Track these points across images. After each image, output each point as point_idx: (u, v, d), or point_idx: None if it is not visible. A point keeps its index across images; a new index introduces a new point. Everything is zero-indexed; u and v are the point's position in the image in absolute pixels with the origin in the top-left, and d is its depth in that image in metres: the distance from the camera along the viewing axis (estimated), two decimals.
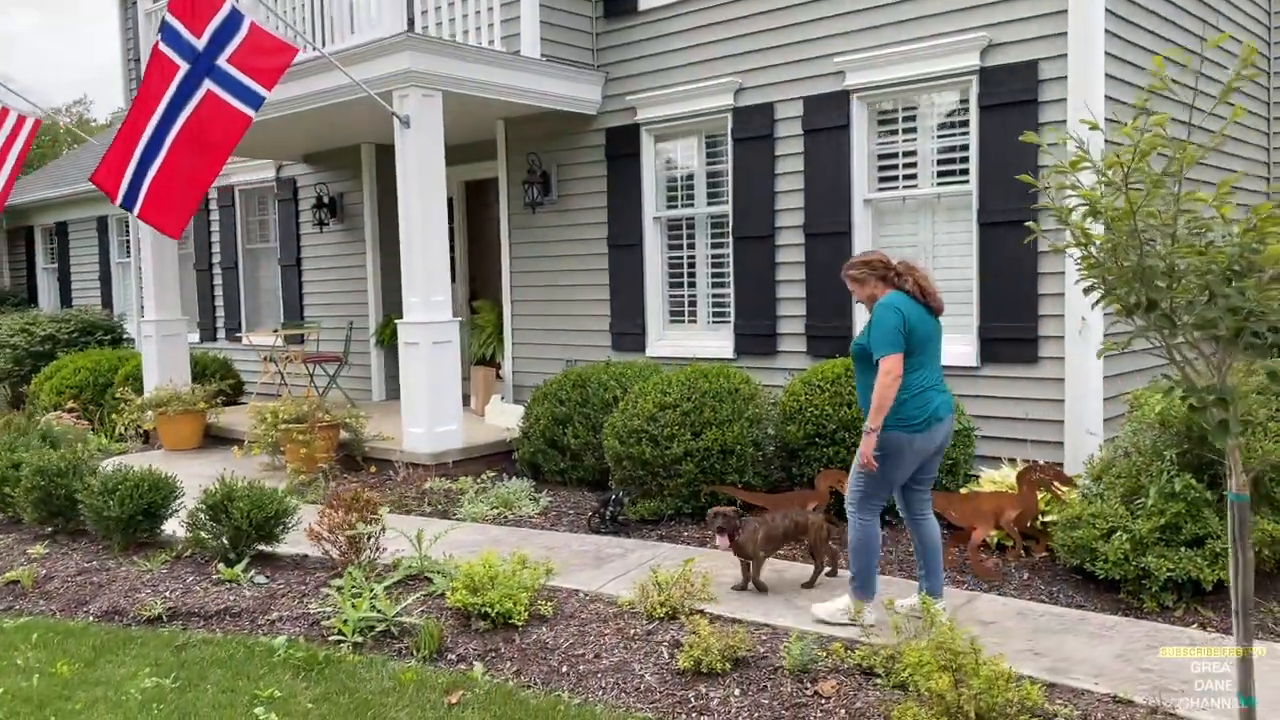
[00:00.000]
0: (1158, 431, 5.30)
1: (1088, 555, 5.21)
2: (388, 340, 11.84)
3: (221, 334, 14.27)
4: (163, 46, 7.08)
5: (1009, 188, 7.01)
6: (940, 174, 7.61)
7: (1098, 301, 3.16)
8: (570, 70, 9.24)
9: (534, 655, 4.51)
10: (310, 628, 4.93)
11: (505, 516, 7.11)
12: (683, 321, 9.32)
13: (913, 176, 7.77)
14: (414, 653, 4.60)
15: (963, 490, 6.35)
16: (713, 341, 8.89)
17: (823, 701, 3.91)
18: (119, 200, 7.27)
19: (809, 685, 4.05)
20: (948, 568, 5.68)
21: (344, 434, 8.83)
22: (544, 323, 10.16)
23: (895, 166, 7.87)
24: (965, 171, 7.41)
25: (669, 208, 9.25)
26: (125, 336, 15.95)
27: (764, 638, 4.60)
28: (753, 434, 6.80)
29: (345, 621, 4.77)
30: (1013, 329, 7.13)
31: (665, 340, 9.26)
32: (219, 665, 4.54)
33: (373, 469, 8.64)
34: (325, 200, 12.32)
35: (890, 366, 4.49)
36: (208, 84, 7.19)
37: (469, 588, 4.80)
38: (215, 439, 10.41)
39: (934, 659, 3.44)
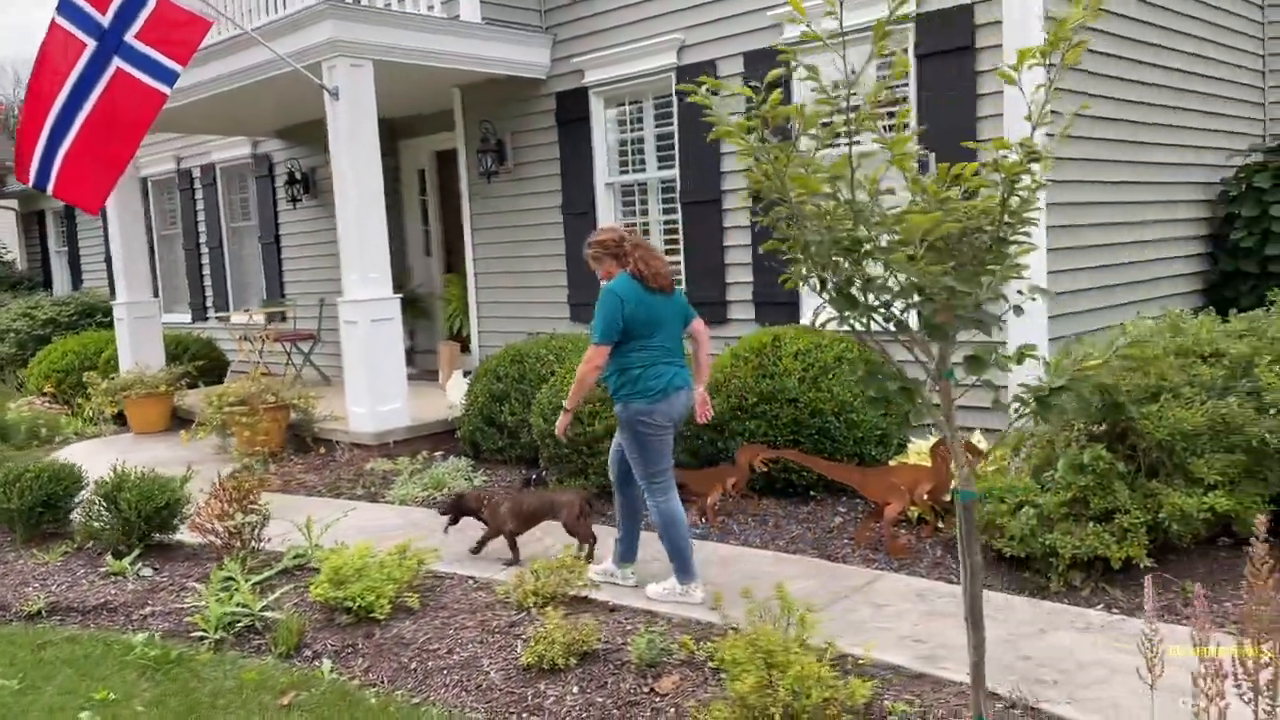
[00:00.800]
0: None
1: (996, 532, 4.90)
2: None
3: (211, 313, 14.27)
4: (62, 20, 6.92)
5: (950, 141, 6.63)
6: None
7: (784, 281, 2.87)
8: (514, 33, 8.94)
9: (389, 651, 4.34)
10: (178, 624, 4.81)
11: (434, 499, 6.94)
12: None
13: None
14: (272, 649, 4.45)
15: (891, 462, 6.05)
16: None
17: (656, 700, 3.68)
18: (31, 180, 7.17)
19: (650, 681, 3.82)
20: (864, 545, 5.42)
21: (294, 415, 8.72)
22: (507, 295, 9.95)
23: None
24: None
25: (621, 173, 8.95)
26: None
27: (629, 627, 4.38)
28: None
29: (208, 618, 4.64)
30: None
31: None
32: (71, 665, 4.43)
33: (322, 450, 8.52)
34: (298, 176, 12.19)
35: (593, 355, 4.55)
36: (117, 62, 7.02)
37: (333, 581, 4.63)
38: (185, 421, 10.38)
39: (747, 657, 3.19)
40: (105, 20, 7.00)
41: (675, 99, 8.27)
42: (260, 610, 4.69)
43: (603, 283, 4.76)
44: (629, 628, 4.37)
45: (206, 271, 14.29)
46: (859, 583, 4.94)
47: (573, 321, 9.24)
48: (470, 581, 5.12)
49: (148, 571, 5.44)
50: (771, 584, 4.51)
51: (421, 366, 11.98)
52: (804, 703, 3.08)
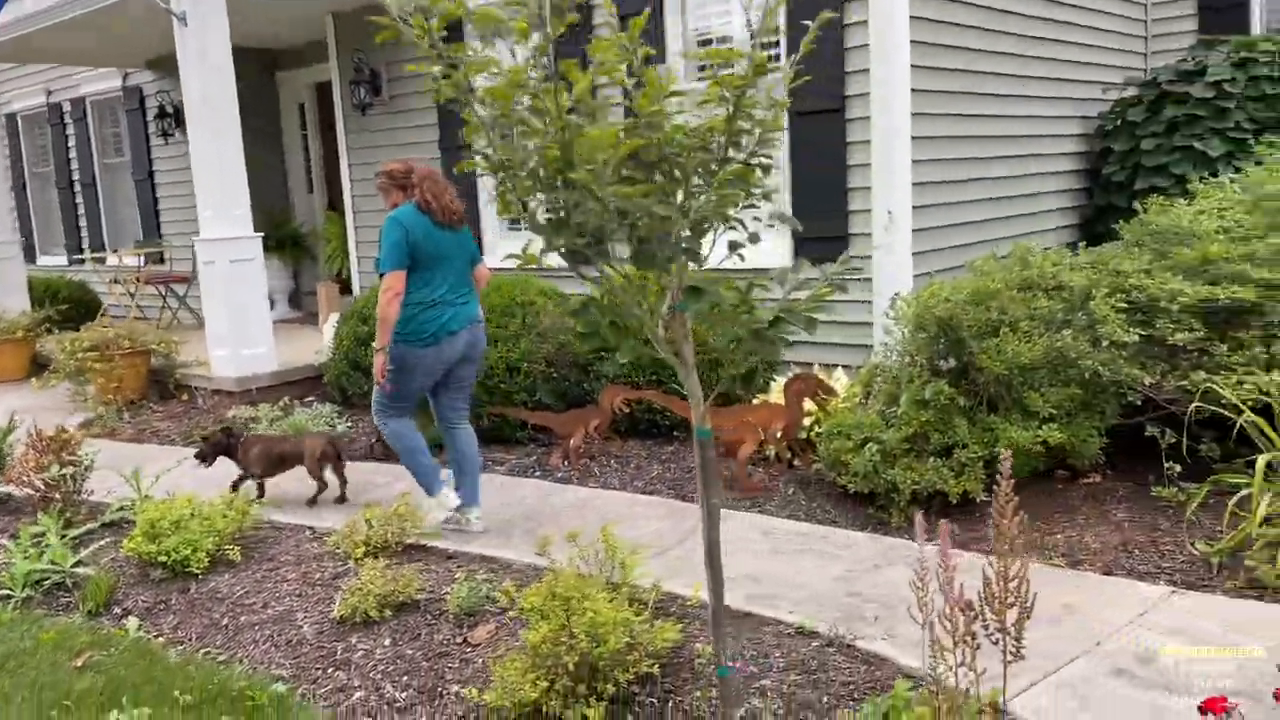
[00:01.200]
0: (913, 334, 4.88)
1: (841, 468, 4.85)
2: None
3: (86, 255, 13.63)
4: None
5: (817, 73, 6.46)
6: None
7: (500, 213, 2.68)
8: None
9: (202, 607, 4.13)
10: None
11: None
12: (522, 230, 8.78)
13: None
14: (80, 608, 4.21)
15: (755, 401, 5.96)
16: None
17: (467, 650, 3.55)
18: None
19: (465, 631, 3.69)
20: (722, 485, 5.34)
21: (156, 361, 8.35)
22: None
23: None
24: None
25: None
26: None
27: (460, 575, 4.23)
28: (544, 350, 6.35)
29: (15, 576, 4.37)
30: (824, 227, 6.65)
31: (502, 250, 8.73)
32: None
33: (184, 397, 8.19)
34: (168, 110, 11.58)
35: (390, 283, 4.45)
36: None
37: (148, 535, 4.39)
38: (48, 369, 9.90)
39: (544, 603, 3.06)
40: None
41: None
42: (71, 567, 4.44)
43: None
44: (459, 575, 4.22)
45: (81, 211, 13.61)
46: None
47: None
48: (307, 532, 4.93)
49: None
50: (624, 527, 4.44)
51: (307, 309, 11.60)
52: (601, 650, 2.96)
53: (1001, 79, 7.14)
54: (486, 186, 8.65)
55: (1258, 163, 5.68)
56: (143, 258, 11.92)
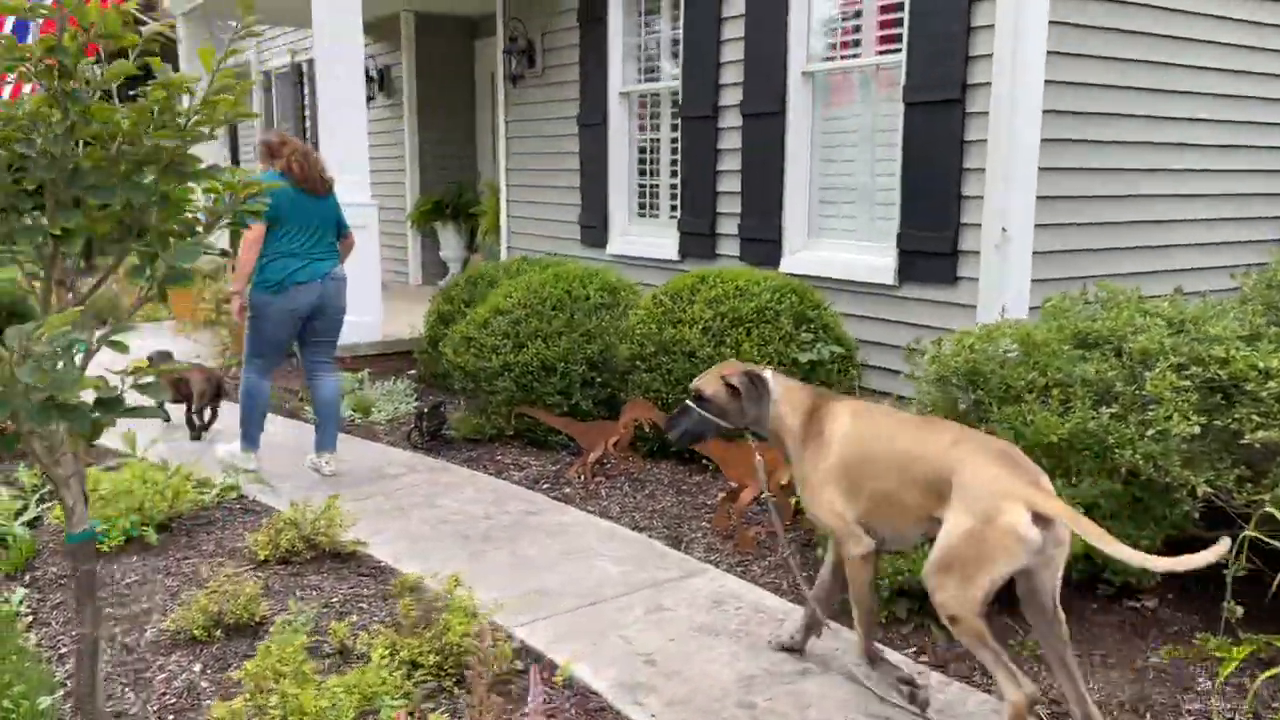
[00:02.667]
0: (934, 387, 3.88)
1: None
2: (420, 222, 11.46)
3: None
4: None
5: (934, 55, 5.44)
6: (882, 39, 6.05)
7: None
8: None
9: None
10: None
11: (354, 421, 6.56)
12: (647, 216, 8.22)
13: (856, 44, 6.24)
14: None
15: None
16: (666, 240, 7.76)
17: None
18: None
19: None
20: (719, 531, 4.60)
21: None
22: (534, 210, 9.34)
23: (837, 30, 6.35)
24: (899, 37, 5.82)
25: (638, 81, 8.08)
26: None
27: (336, 598, 3.81)
28: (587, 351, 5.79)
29: None
30: (933, 240, 5.62)
31: (628, 237, 8.20)
32: None
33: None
34: (372, 74, 11.92)
35: (249, 234, 5.05)
36: None
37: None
38: None
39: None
40: None
41: None
42: (16, 527, 4.43)
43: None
44: (336, 598, 3.81)
45: None
46: (671, 576, 4.17)
47: (583, 244, 8.54)
48: (263, 520, 4.68)
49: None
50: (574, 565, 3.88)
51: None
52: None
53: (1171, 71, 5.72)
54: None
55: None
56: None
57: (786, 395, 3.20)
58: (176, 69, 2.16)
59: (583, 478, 5.35)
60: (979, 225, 5.34)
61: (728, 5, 6.88)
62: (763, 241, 6.77)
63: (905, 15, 5.68)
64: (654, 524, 4.79)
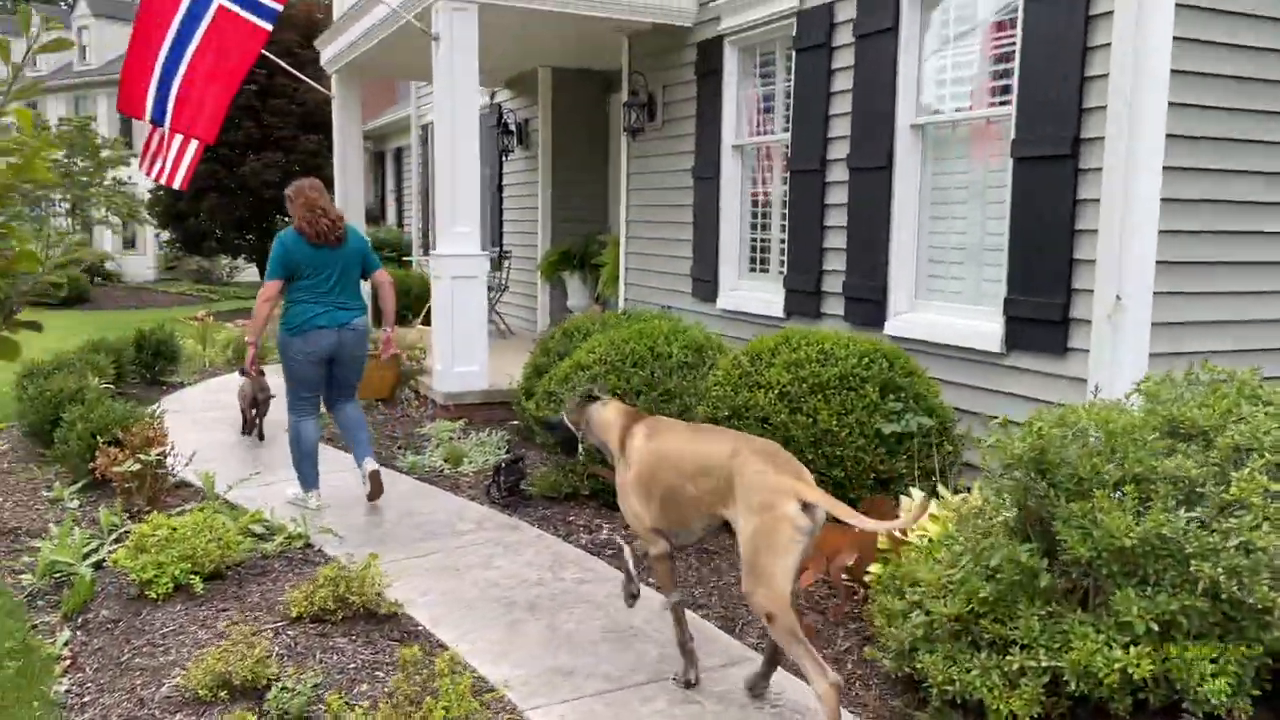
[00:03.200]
0: (1001, 472, 3.48)
1: (878, 634, 3.62)
2: (548, 272, 11.55)
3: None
4: None
5: (1045, 106, 5.03)
6: (994, 91, 5.66)
7: None
8: None
9: (123, 639, 3.98)
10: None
11: (441, 472, 6.55)
12: (757, 271, 7.98)
13: (966, 96, 5.87)
14: (62, 608, 4.30)
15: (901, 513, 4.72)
16: (773, 297, 7.49)
17: None
18: (147, 116, 7.58)
19: None
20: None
21: (409, 364, 8.73)
22: (649, 262, 9.25)
23: (945, 83, 5.99)
24: (1010, 88, 5.42)
25: (751, 135, 7.89)
26: (406, 258, 17.18)
27: (354, 663, 3.70)
28: (665, 411, 5.58)
29: (42, 564, 4.59)
30: (1042, 307, 5.16)
31: (738, 292, 7.98)
32: None
33: (417, 403, 8.45)
34: (512, 126, 12.19)
35: (262, 291, 5.52)
36: (219, 0, 7.22)
37: (136, 546, 4.37)
38: None
39: None
40: None
41: (794, 48, 7.08)
42: (83, 567, 4.56)
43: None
44: (354, 663, 3.71)
45: None
46: (713, 664, 3.87)
47: (694, 298, 8.37)
48: (320, 570, 4.65)
49: (74, 504, 5.56)
50: (610, 646, 3.69)
51: None
52: None
53: None
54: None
55: None
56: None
57: (607, 419, 3.77)
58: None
59: None
60: (1091, 291, 4.86)
61: (837, 56, 6.63)
62: (867, 301, 6.43)
63: (1015, 65, 5.29)
64: (711, 602, 4.51)
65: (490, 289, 11.58)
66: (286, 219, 21.52)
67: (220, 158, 20.60)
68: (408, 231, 18.95)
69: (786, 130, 7.28)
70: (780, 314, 7.25)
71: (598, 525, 5.53)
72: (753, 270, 7.99)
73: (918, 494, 4.82)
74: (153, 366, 9.54)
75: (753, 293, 7.79)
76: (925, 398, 5.14)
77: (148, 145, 8.90)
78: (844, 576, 4.20)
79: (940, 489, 4.62)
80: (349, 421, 5.77)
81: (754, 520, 3.14)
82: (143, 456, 5.13)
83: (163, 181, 8.83)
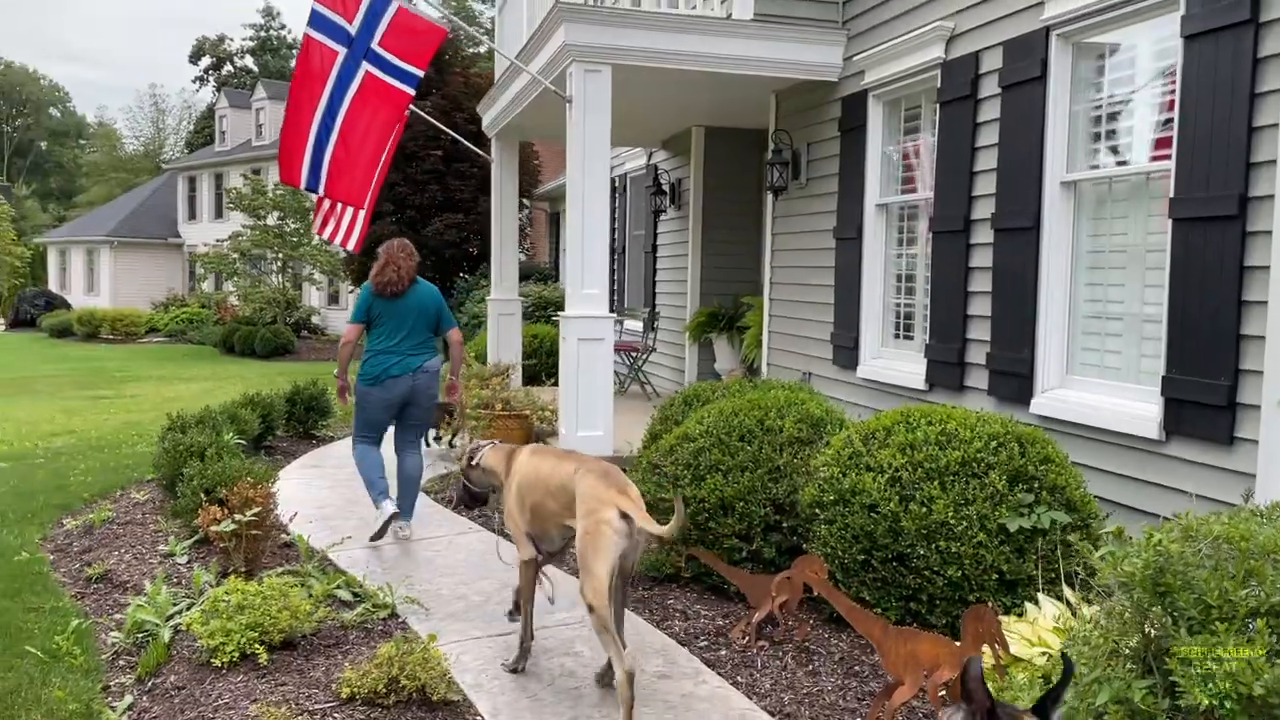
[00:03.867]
0: (1118, 591, 2.90)
1: None
2: (695, 334, 11.30)
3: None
4: (315, 34, 7.43)
5: (1219, 163, 4.40)
6: (1153, 144, 5.02)
7: None
8: (794, 30, 7.82)
9: (178, 708, 3.90)
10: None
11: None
12: (901, 338, 7.44)
13: (1122, 149, 5.25)
14: (139, 669, 4.28)
15: (1010, 621, 4.13)
16: (915, 367, 6.95)
17: None
18: (303, 184, 7.83)
19: None
20: None
21: (539, 424, 8.64)
22: (792, 326, 8.84)
23: (1099, 136, 5.39)
24: (1167, 141, 4.79)
25: (895, 193, 7.41)
26: None
27: None
28: (774, 491, 5.16)
29: (131, 622, 4.63)
30: (1204, 390, 4.47)
31: (880, 360, 7.47)
32: None
33: None
34: (665, 187, 12.09)
35: (345, 334, 6.20)
36: (365, 66, 7.41)
37: (208, 611, 4.31)
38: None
39: None
40: (353, 29, 7.41)
41: (938, 101, 6.60)
42: (165, 628, 4.55)
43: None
44: None
45: (614, 277, 14.86)
46: None
47: (835, 365, 7.90)
48: (396, 638, 4.48)
49: (183, 560, 5.63)
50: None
51: None
52: None
53: None
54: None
55: None
56: (639, 323, 12.59)
57: (492, 460, 4.35)
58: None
59: (746, 639, 4.69)
60: (1260, 373, 4.16)
61: (983, 109, 6.12)
62: (1013, 375, 5.82)
63: (1175, 114, 4.67)
64: (801, 712, 4.03)
65: (637, 350, 11.47)
66: (466, 276, 22.14)
67: (407, 219, 21.54)
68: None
69: (931, 189, 6.78)
70: (922, 385, 6.69)
71: (696, 611, 5.13)
72: (896, 338, 7.46)
73: (1046, 602, 4.21)
74: (304, 421, 9.82)
75: (894, 362, 7.26)
76: (1063, 489, 4.51)
77: (318, 208, 9.29)
78: (941, 693, 3.66)
79: (1068, 594, 4.01)
80: (405, 477, 6.16)
81: (583, 524, 3.69)
82: (238, 516, 5.13)
83: (337, 243, 9.23)
